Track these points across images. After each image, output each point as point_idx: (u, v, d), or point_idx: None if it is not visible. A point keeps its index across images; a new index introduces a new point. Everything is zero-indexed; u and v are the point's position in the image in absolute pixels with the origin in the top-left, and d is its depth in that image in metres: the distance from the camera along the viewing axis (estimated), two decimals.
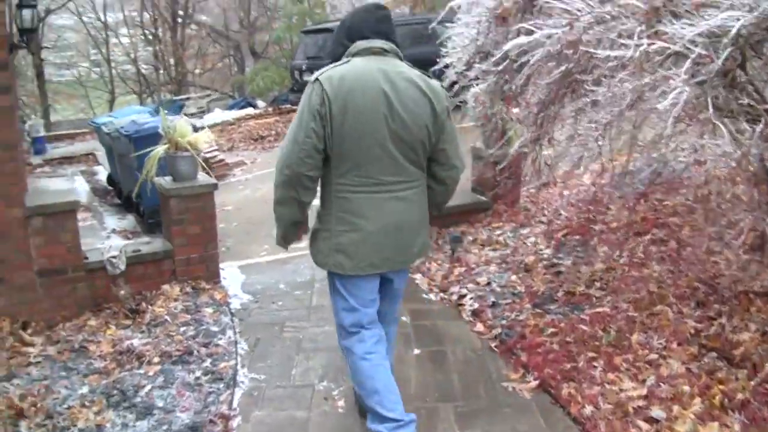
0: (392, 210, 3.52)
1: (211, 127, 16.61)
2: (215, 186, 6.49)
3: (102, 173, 14.28)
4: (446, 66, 6.33)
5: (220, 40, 33.21)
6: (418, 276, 6.57)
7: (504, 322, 5.44)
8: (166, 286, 6.29)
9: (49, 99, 33.20)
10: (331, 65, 3.50)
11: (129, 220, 10.72)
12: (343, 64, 3.46)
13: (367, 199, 3.48)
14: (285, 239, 3.82)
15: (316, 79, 3.41)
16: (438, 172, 3.69)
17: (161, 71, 30.03)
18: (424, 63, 13.21)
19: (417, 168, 3.57)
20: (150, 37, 29.86)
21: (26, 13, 8.17)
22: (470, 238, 7.28)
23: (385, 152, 3.42)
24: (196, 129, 6.72)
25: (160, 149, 6.47)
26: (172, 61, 29.61)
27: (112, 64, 33.11)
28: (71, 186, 13.65)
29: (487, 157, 7.38)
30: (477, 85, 5.83)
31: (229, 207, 10.51)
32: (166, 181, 6.45)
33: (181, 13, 28.60)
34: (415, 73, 3.49)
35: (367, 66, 3.42)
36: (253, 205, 10.55)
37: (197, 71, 33.80)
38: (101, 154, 14.29)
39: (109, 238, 9.97)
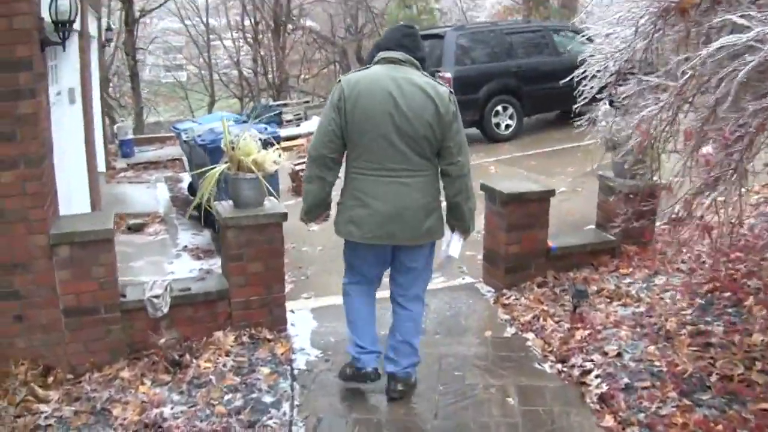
0: (396, 192, 4.12)
1: (305, 135, 15.68)
2: (284, 216, 5.35)
3: (187, 181, 13.37)
4: (584, 76, 5.04)
5: (327, 46, 32.41)
6: (529, 336, 5.28)
7: (642, 416, 4.09)
8: (218, 333, 5.18)
9: (152, 100, 33.15)
10: (358, 69, 4.35)
11: (204, 237, 9.68)
12: (364, 70, 4.23)
13: (374, 181, 4.13)
14: (308, 215, 4.56)
15: (339, 80, 4.22)
16: (442, 165, 4.21)
17: (261, 75, 29.26)
18: (541, 74, 11.87)
19: (423, 159, 4.13)
20: (251, 40, 29.14)
21: (62, 3, 6.88)
22: (594, 287, 5.92)
23: (389, 143, 4.06)
24: (265, 145, 5.58)
25: (219, 168, 5.35)
26: (274, 66, 28.87)
27: (216, 68, 32.72)
28: (154, 193, 12.84)
29: (622, 189, 6.14)
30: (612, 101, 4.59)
31: (314, 227, 9.34)
32: (224, 208, 5.33)
33: (283, 19, 27.77)
34: (425, 81, 4.10)
35: (381, 72, 4.12)
36: None
37: (302, 77, 33.10)
38: None
39: (179, 256, 9.02)
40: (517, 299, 5.86)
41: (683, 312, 5.34)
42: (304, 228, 9.10)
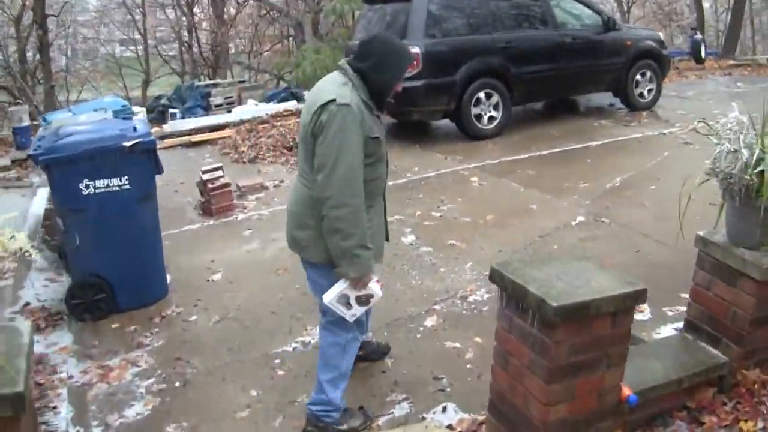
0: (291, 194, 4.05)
1: (237, 124, 12.63)
2: (20, 401, 2.27)
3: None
4: None
5: (281, 18, 29.06)
6: None
7: None
8: None
9: (89, 77, 29.78)
10: None
11: (62, 287, 6.52)
12: None
13: None
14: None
15: None
16: None
17: (196, 49, 25.83)
18: (535, 52, 8.90)
19: (311, 169, 3.74)
20: (185, 8, 25.67)
21: None
22: None
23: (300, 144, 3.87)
24: None
25: None
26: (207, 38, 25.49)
27: (157, 41, 29.33)
28: (27, 205, 9.63)
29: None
30: None
31: (217, 275, 6.34)
32: None
33: None
34: (325, 86, 3.75)
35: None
36: (260, 274, 6.31)
37: (253, 52, 29.82)
38: None
39: (13, 319, 5.92)
40: None
41: None
42: (201, 276, 6.22)
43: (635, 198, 7.35)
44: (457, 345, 4.72)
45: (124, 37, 32.88)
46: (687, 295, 4.98)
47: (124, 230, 5.56)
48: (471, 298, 5.36)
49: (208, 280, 6.23)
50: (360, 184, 3.59)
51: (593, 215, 6.91)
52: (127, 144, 5.36)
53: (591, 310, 2.75)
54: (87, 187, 5.38)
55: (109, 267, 5.62)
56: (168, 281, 6.13)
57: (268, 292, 5.88)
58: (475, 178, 8.45)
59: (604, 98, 12.72)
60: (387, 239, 4.09)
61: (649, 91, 12.03)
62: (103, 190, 5.41)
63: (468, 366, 4.46)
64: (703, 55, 18.39)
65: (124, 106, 9.44)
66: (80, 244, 5.57)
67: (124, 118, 7.26)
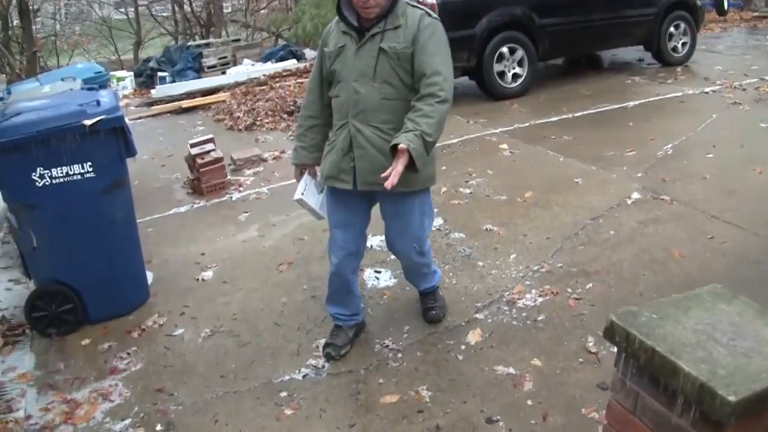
0: None
1: (232, 87, 11.55)
2: None
3: None
4: None
5: None
6: None
7: None
8: None
9: (79, 41, 28.55)
10: None
11: (26, 290, 5.48)
12: None
13: None
14: None
15: None
16: None
17: (186, 8, 24.45)
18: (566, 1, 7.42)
19: None
20: None
21: None
22: None
23: None
24: None
25: None
26: None
27: (143, 1, 27.92)
28: None
29: None
30: None
31: (208, 272, 5.31)
32: None
33: None
34: None
35: None
36: (259, 271, 5.28)
37: (250, 10, 28.46)
38: None
39: None
40: None
41: None
42: (190, 273, 5.21)
43: (693, 169, 6.29)
44: (511, 371, 3.71)
45: None
46: None
47: (90, 227, 4.51)
48: (520, 303, 4.34)
49: (198, 279, 5.21)
50: (308, 93, 3.87)
51: (650, 191, 5.85)
52: (88, 122, 4.30)
53: None
54: (41, 177, 4.34)
55: (75, 272, 4.59)
56: (150, 281, 5.13)
57: (269, 294, 4.85)
58: (504, 146, 7.38)
59: (631, 53, 11.65)
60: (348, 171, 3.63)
61: (683, 44, 10.99)
62: (61, 180, 4.38)
63: (528, 402, 3.45)
64: (726, 6, 17.21)
65: (98, 72, 8.40)
66: (38, 246, 4.54)
67: (90, 89, 6.15)
